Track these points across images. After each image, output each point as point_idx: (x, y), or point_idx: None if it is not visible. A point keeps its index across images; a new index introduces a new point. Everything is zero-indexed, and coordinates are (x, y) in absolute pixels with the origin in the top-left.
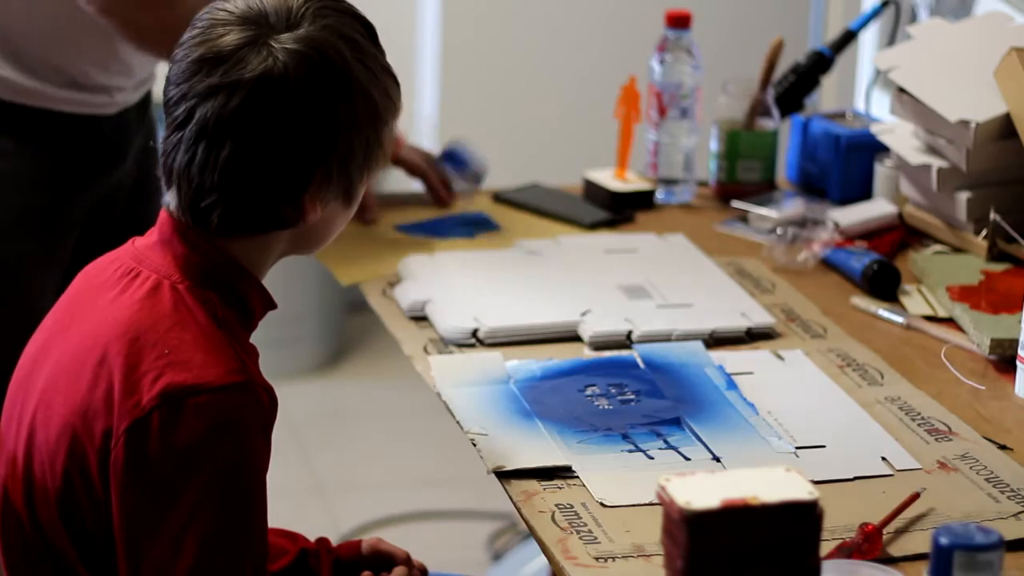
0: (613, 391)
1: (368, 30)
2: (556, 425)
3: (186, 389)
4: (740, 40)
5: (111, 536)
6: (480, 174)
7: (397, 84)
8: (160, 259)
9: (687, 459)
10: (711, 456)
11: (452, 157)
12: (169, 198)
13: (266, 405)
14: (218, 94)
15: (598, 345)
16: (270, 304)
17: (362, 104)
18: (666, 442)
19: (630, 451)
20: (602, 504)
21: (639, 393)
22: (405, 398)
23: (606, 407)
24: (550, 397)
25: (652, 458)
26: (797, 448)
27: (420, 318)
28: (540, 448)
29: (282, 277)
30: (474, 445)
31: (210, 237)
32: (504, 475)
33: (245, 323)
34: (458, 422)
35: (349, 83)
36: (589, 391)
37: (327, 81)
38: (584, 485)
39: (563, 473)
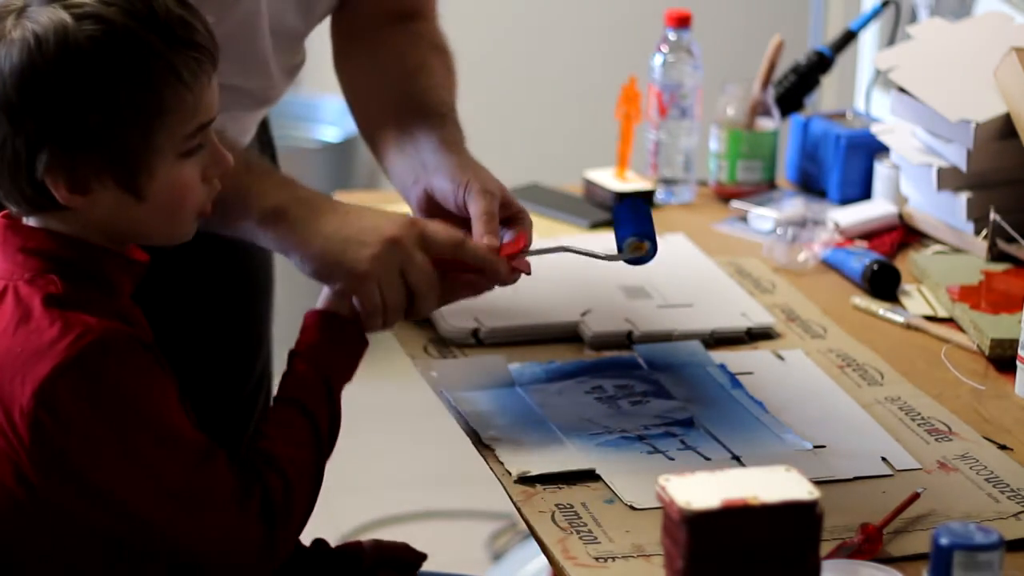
0: (620, 392)
1: (156, 17)
2: (570, 428)
3: (50, 377)
4: (740, 40)
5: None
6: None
7: (179, 79)
8: (4, 263)
9: (707, 459)
10: (731, 455)
11: (628, 210)
12: None
13: (125, 338)
14: None
15: (598, 345)
16: (134, 267)
17: (100, 95)
18: (683, 443)
19: (649, 453)
20: (632, 507)
21: (646, 394)
22: (405, 398)
23: (615, 409)
24: (558, 400)
25: (672, 459)
26: (803, 448)
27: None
28: (560, 452)
29: (282, 276)
30: (491, 450)
31: (30, 227)
32: (525, 480)
33: (105, 291)
34: (472, 428)
35: (78, 69)
36: (596, 393)
37: (47, 64)
38: (610, 487)
39: (586, 478)
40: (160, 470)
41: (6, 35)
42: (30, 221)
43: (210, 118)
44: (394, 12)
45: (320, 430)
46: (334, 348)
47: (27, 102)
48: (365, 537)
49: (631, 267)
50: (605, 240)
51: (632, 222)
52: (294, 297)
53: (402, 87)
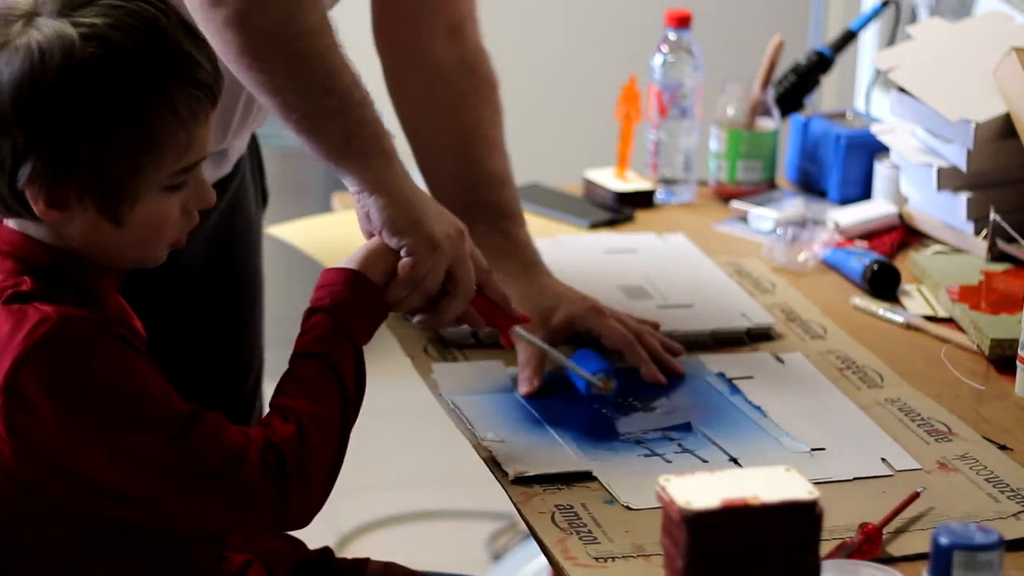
0: (618, 397)
1: (165, 48)
2: (568, 432)
3: (11, 370)
4: (740, 40)
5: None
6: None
7: (175, 116)
8: None
9: (704, 461)
10: (728, 458)
11: (593, 351)
12: None
13: (84, 323)
14: None
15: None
16: (115, 271)
17: (92, 120)
18: (680, 446)
19: (646, 455)
20: (628, 507)
21: (645, 399)
22: (405, 398)
23: (613, 413)
24: (557, 404)
25: (670, 462)
26: (800, 450)
27: None
28: (558, 454)
29: (283, 276)
30: (490, 453)
31: (10, 228)
32: (522, 480)
33: (84, 295)
34: (472, 431)
35: (75, 91)
36: (594, 398)
37: (46, 80)
38: (608, 489)
39: (582, 479)
40: (139, 449)
41: (11, 41)
42: (10, 223)
43: (201, 156)
44: (437, 21)
45: (346, 386)
46: (362, 308)
47: (20, 113)
48: (366, 537)
49: (630, 267)
50: (602, 238)
51: (599, 360)
52: (289, 297)
53: (467, 177)
